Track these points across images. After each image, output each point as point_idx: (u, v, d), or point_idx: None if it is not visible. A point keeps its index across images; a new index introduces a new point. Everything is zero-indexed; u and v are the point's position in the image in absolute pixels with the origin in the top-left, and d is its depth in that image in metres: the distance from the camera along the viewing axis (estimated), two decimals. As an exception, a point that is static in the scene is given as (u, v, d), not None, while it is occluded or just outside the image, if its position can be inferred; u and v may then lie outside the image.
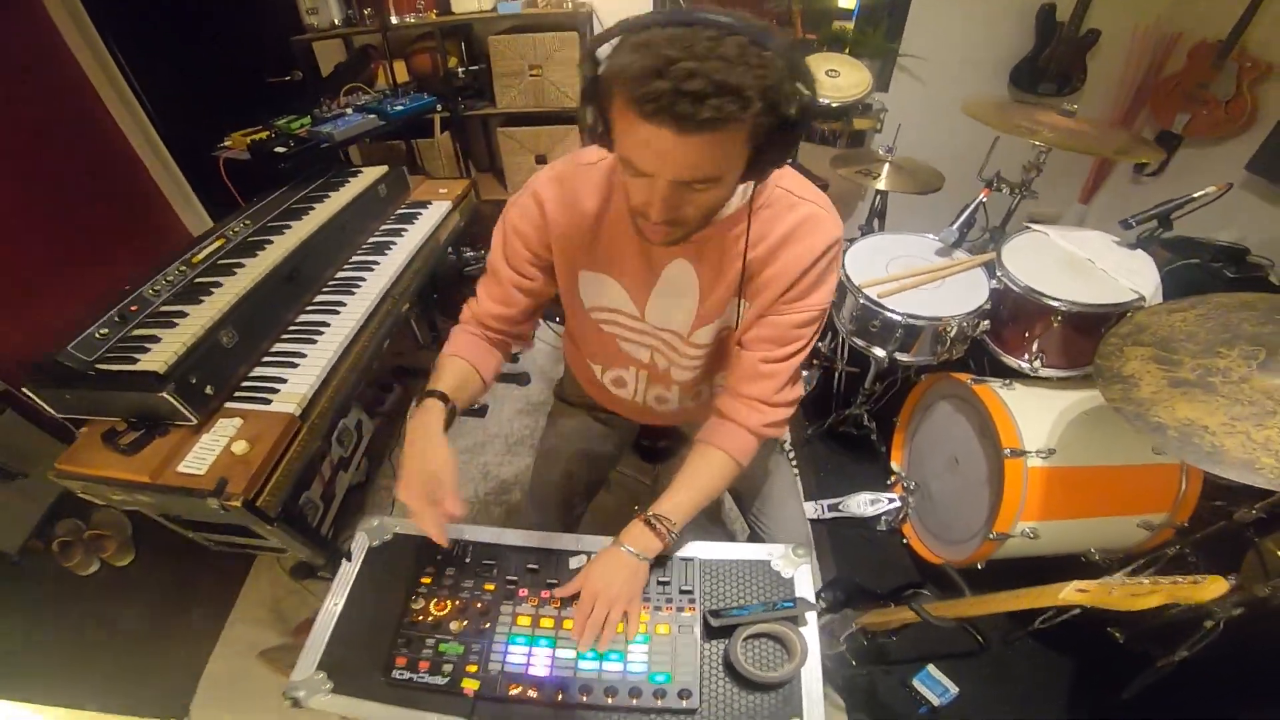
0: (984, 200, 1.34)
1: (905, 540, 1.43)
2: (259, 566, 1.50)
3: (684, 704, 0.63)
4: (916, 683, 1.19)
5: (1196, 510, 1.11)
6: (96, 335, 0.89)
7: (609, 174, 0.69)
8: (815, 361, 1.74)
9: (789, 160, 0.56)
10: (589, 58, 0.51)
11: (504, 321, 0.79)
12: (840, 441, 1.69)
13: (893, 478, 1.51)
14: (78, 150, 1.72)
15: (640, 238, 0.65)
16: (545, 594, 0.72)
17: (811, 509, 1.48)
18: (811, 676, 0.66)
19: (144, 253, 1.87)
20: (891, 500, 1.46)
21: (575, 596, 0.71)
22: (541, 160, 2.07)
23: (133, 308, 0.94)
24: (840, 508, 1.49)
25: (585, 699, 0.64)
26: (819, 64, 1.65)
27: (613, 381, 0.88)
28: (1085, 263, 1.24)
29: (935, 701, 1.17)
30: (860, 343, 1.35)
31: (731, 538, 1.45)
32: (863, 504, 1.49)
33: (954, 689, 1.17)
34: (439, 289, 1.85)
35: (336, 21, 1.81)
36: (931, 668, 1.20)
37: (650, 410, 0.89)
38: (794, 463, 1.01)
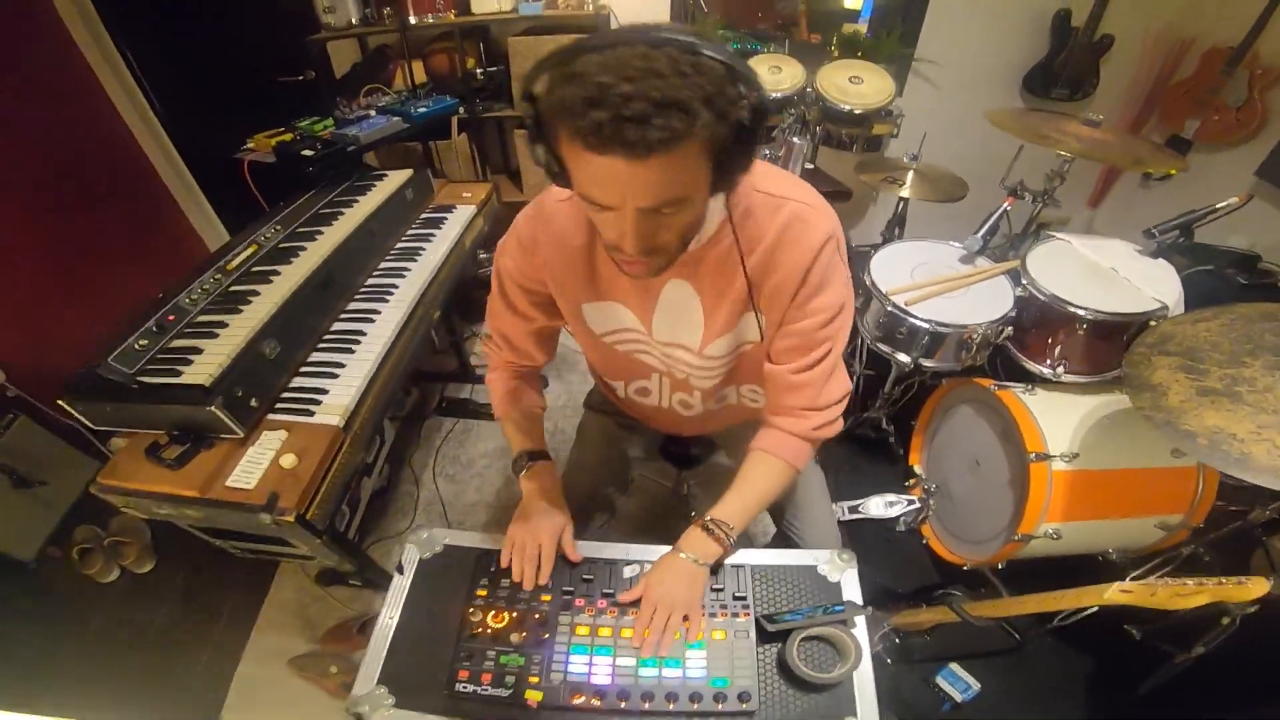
0: (1008, 209, 1.36)
1: (925, 541, 1.46)
2: (283, 572, 1.50)
3: (743, 706, 0.65)
4: (940, 680, 1.23)
5: (1211, 511, 1.15)
6: (136, 346, 0.88)
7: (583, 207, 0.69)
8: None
9: (750, 165, 0.53)
10: (524, 97, 0.49)
11: (525, 357, 0.85)
12: (859, 444, 1.71)
13: (911, 480, 1.54)
14: (88, 154, 1.70)
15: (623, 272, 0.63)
16: (602, 603, 0.74)
17: (833, 510, 1.51)
18: (864, 677, 0.68)
19: (157, 261, 1.85)
20: (911, 502, 1.49)
21: (635, 603, 0.72)
22: (557, 162, 2.05)
23: (170, 318, 0.93)
24: (860, 509, 1.51)
25: (648, 706, 0.66)
26: (843, 71, 1.66)
27: (637, 391, 0.88)
28: (1108, 271, 1.26)
29: (958, 698, 1.20)
30: (885, 348, 1.36)
31: (750, 540, 1.47)
32: (882, 506, 1.51)
33: (976, 685, 1.21)
34: (455, 293, 1.84)
35: (354, 20, 1.78)
36: (954, 665, 1.23)
37: (676, 414, 0.90)
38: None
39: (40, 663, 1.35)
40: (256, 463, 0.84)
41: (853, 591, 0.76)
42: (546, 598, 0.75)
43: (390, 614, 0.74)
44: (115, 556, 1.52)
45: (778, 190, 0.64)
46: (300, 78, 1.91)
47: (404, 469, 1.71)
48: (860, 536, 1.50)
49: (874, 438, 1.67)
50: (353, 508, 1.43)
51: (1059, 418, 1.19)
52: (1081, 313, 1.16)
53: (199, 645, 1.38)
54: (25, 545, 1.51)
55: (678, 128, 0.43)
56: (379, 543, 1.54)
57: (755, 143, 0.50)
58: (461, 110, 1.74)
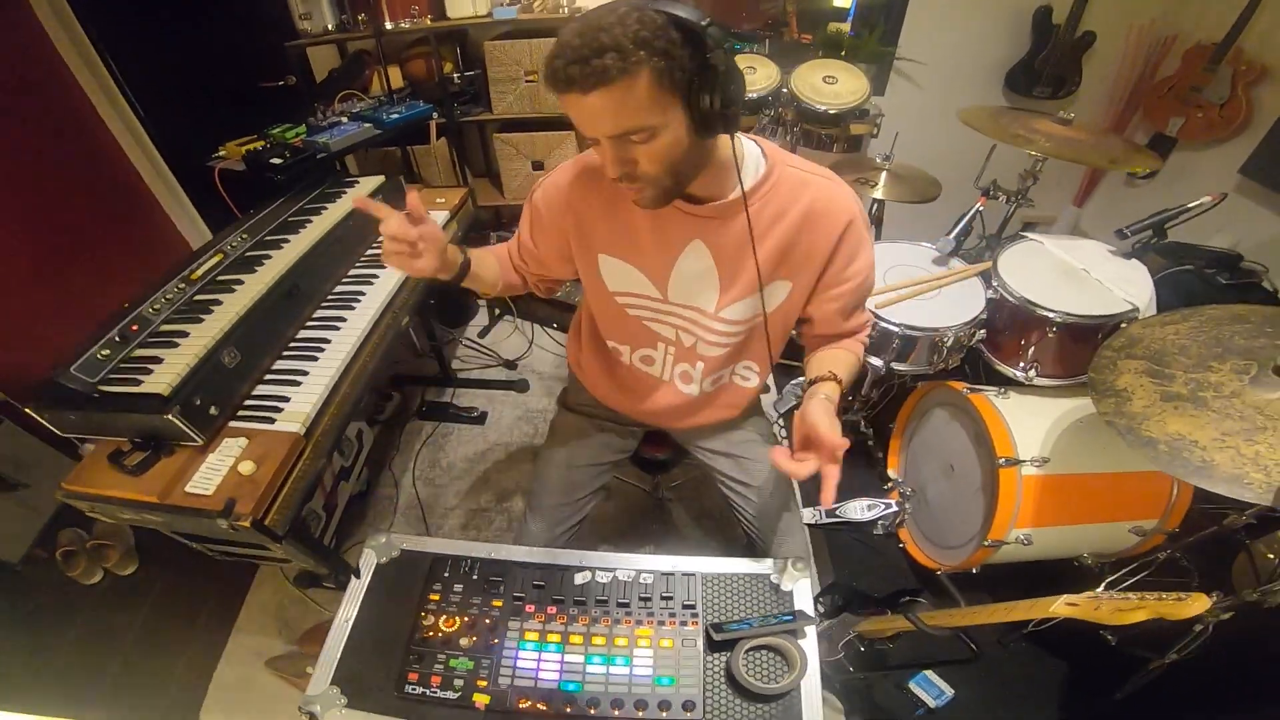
0: (981, 209, 1.35)
1: (902, 545, 1.45)
2: (262, 575, 1.51)
3: (688, 715, 0.66)
4: (913, 685, 1.22)
5: (1188, 515, 1.13)
6: (98, 356, 0.89)
7: None
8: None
9: (733, 104, 0.59)
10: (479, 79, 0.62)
11: (526, 272, 0.90)
12: (838, 446, 1.70)
13: (889, 484, 1.53)
14: (71, 158, 1.70)
15: (660, 223, 0.72)
16: (552, 609, 0.74)
17: (809, 514, 1.49)
18: (811, 687, 0.68)
19: (140, 263, 1.86)
20: (888, 506, 1.47)
21: (629, 603, 0.74)
22: (538, 166, 2.06)
23: (133, 327, 0.94)
24: (838, 513, 1.50)
25: (593, 712, 0.66)
26: (817, 71, 1.65)
27: (641, 360, 0.90)
28: (1080, 272, 1.25)
29: (931, 704, 1.19)
30: (858, 351, 1.36)
31: (728, 544, 1.47)
32: (859, 509, 1.50)
33: (950, 691, 1.20)
34: (436, 297, 1.85)
35: (330, 27, 1.79)
36: (929, 671, 1.23)
37: (672, 392, 0.91)
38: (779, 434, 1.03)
39: (23, 663, 1.37)
40: (215, 469, 0.85)
41: (804, 601, 0.76)
42: (497, 603, 0.75)
43: (346, 616, 0.76)
44: (99, 559, 1.54)
45: (805, 167, 0.74)
46: (281, 83, 1.92)
47: (384, 473, 1.72)
48: (839, 540, 1.49)
49: (852, 441, 1.66)
50: (330, 512, 1.44)
51: (1031, 422, 1.18)
52: (1051, 315, 1.15)
53: (179, 646, 1.39)
54: (10, 547, 1.53)
55: (608, 64, 0.53)
56: (357, 546, 1.55)
57: (718, 77, 0.57)
58: (439, 115, 1.75)
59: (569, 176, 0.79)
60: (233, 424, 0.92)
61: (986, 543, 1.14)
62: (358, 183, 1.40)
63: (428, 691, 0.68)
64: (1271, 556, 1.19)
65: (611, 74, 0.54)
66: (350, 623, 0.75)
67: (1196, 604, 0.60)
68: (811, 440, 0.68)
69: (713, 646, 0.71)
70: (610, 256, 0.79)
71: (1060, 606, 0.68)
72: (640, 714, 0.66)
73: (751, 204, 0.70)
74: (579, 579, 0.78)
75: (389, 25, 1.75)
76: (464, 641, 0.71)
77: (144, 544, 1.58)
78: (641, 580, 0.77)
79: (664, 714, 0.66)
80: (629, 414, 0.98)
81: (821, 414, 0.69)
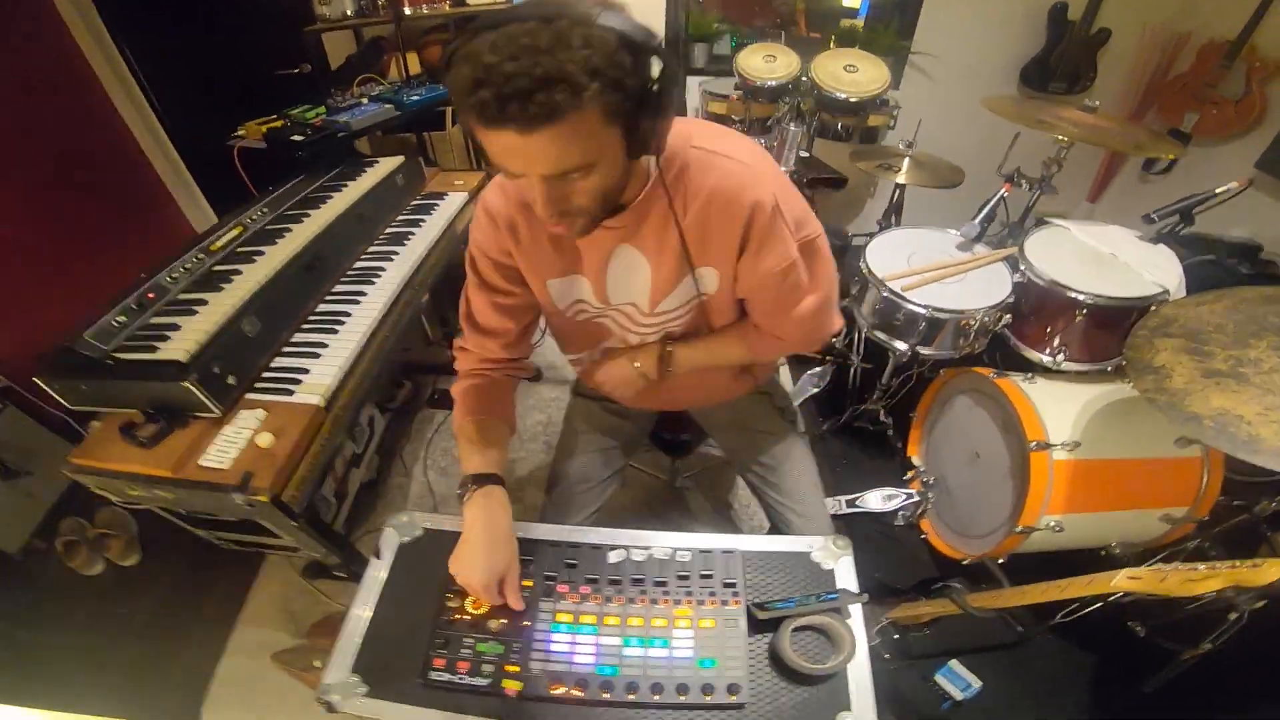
0: (1005, 195, 1.34)
1: (923, 535, 1.43)
2: (269, 566, 1.47)
3: (732, 698, 0.63)
4: (939, 677, 1.19)
5: (1215, 506, 1.12)
6: (113, 323, 0.86)
7: None
8: (829, 358, 1.73)
9: (664, 128, 0.54)
10: (443, 73, 0.52)
11: (503, 348, 0.79)
12: (856, 437, 1.68)
13: (910, 473, 1.51)
14: (81, 143, 1.68)
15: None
16: (586, 589, 0.71)
17: (830, 504, 1.48)
18: (860, 669, 0.65)
19: (147, 248, 1.84)
20: (909, 495, 1.46)
21: (619, 585, 0.71)
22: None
23: (150, 295, 0.92)
24: (858, 503, 1.48)
25: (632, 697, 0.63)
26: (838, 59, 1.65)
27: (603, 354, 0.87)
28: (1108, 256, 1.24)
29: (958, 696, 1.17)
30: (882, 336, 1.34)
31: (749, 532, 1.44)
32: (880, 499, 1.48)
33: (977, 683, 1.17)
34: (450, 283, 1.82)
35: (349, 12, 1.78)
36: (954, 662, 1.20)
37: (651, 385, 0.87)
38: (795, 422, 1.01)
39: (24, 655, 1.32)
40: (232, 441, 0.82)
41: (847, 579, 0.74)
42: (528, 583, 0.72)
43: (365, 600, 0.72)
44: (100, 549, 1.49)
45: (712, 146, 0.64)
46: (296, 70, 1.91)
47: (395, 461, 1.68)
48: (858, 531, 1.47)
49: (872, 430, 1.64)
50: (340, 499, 1.41)
51: (1060, 406, 1.16)
52: (1081, 298, 1.14)
53: (183, 638, 1.35)
54: (10, 537, 1.48)
55: (559, 101, 0.44)
56: (368, 535, 1.51)
57: (664, 105, 0.51)
58: (455, 100, 1.73)
59: (498, 206, 0.70)
60: (250, 395, 0.89)
61: (1018, 529, 1.11)
62: (377, 162, 1.38)
63: (454, 678, 0.64)
64: (1295, 548, 1.18)
65: (561, 111, 0.45)
66: (370, 607, 0.71)
67: (1274, 569, 0.57)
68: None
69: (755, 626, 0.68)
70: (557, 279, 0.74)
71: (1122, 580, 0.66)
72: (682, 698, 0.63)
73: (659, 195, 0.63)
74: (613, 557, 0.75)
75: (408, 11, 1.75)
76: (492, 625, 0.68)
77: (147, 534, 1.54)
78: (678, 558, 0.74)
79: (707, 698, 0.63)
80: (626, 401, 0.96)
81: (610, 369, 0.77)
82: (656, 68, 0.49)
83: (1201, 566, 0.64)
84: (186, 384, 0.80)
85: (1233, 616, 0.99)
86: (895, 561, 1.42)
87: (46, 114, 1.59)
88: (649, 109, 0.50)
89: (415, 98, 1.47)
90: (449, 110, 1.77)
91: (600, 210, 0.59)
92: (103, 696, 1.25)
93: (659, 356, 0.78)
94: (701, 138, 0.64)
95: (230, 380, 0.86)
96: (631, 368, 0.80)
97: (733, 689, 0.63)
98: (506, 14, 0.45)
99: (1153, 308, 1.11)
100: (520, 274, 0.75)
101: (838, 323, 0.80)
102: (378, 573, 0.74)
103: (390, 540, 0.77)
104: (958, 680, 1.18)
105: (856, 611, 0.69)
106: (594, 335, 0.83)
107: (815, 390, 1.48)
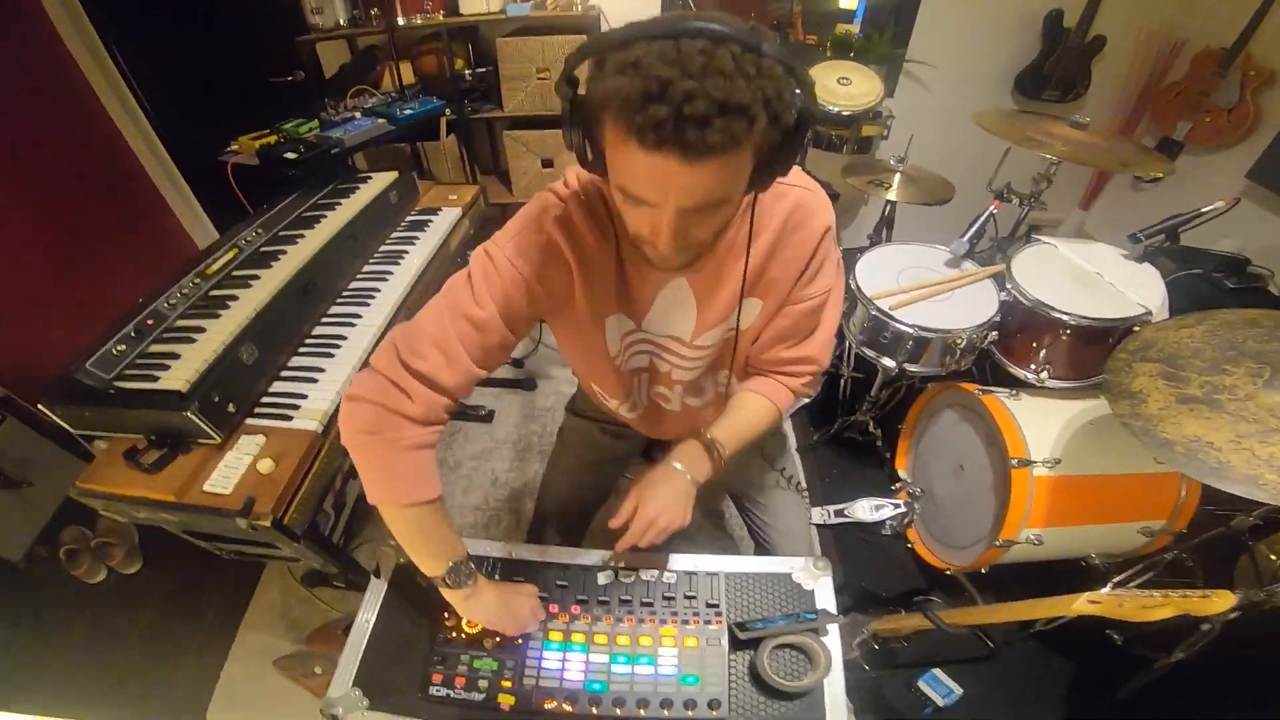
0: (994, 212, 1.35)
1: (910, 545, 1.46)
2: (269, 574, 1.50)
3: (713, 714, 0.66)
4: (922, 684, 1.23)
5: (1194, 516, 1.15)
6: (114, 351, 0.88)
7: (596, 200, 0.62)
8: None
9: (790, 167, 0.51)
10: (567, 80, 0.46)
11: (460, 398, 0.64)
12: (845, 447, 1.71)
13: (897, 484, 1.53)
14: (77, 153, 1.68)
15: (646, 264, 0.60)
16: (576, 609, 0.74)
17: (818, 514, 1.50)
18: (835, 685, 0.68)
19: (147, 260, 1.85)
20: (896, 506, 1.48)
21: (614, 600, 0.73)
22: (548, 164, 2.05)
23: (149, 322, 0.93)
24: (846, 513, 1.51)
25: (619, 711, 0.66)
26: (831, 72, 1.65)
27: (629, 408, 0.87)
28: (1093, 276, 1.26)
29: (940, 702, 1.20)
30: (870, 353, 1.36)
31: (735, 546, 1.47)
32: (867, 509, 1.51)
33: (958, 690, 1.21)
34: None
35: (342, 21, 1.78)
36: (937, 669, 1.23)
37: (656, 410, 0.88)
38: (791, 479, 1.02)
39: (26, 662, 1.35)
40: (234, 467, 0.84)
41: (826, 599, 0.77)
42: (521, 604, 0.75)
43: (366, 616, 0.75)
44: (102, 557, 1.52)
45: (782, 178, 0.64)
46: (290, 78, 1.91)
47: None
48: (846, 541, 1.50)
49: (860, 441, 1.67)
50: (338, 510, 1.44)
51: (1042, 423, 1.19)
52: (1065, 318, 1.16)
53: (184, 646, 1.38)
54: (12, 546, 1.51)
55: (737, 131, 0.41)
56: (365, 545, 1.54)
57: (799, 147, 0.49)
58: (449, 112, 1.74)
59: (556, 241, 0.61)
60: (250, 421, 0.91)
61: (998, 543, 1.15)
62: (371, 178, 1.39)
63: (452, 693, 0.67)
64: (1274, 558, 1.21)
65: (737, 143, 0.42)
66: (371, 623, 0.74)
67: (1222, 601, 0.60)
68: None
69: (736, 645, 0.71)
70: (612, 315, 0.69)
71: (1082, 604, 0.69)
72: (666, 713, 0.66)
73: (731, 225, 0.60)
74: (602, 578, 0.78)
75: (402, 20, 1.74)
76: (488, 642, 0.71)
77: (148, 543, 1.56)
78: (664, 580, 0.77)
79: (690, 713, 0.66)
80: (634, 428, 0.96)
81: (653, 496, 0.68)
82: (803, 106, 0.46)
83: (1157, 594, 0.67)
84: (187, 413, 0.82)
85: (1205, 628, 1.02)
86: (882, 571, 1.45)
87: (39, 125, 1.58)
88: (788, 149, 0.48)
89: (409, 112, 1.48)
90: (443, 120, 1.77)
91: (712, 244, 0.58)
92: (106, 703, 1.28)
93: (704, 448, 0.72)
94: None
95: (230, 408, 0.88)
96: (682, 474, 0.71)
97: (714, 704, 0.66)
98: (669, 26, 0.41)
99: (1135, 328, 1.13)
100: (542, 316, 0.68)
101: (830, 354, 0.80)
102: (377, 591, 0.77)
103: (388, 559, 0.80)
104: (940, 687, 1.22)
105: (833, 630, 0.72)
106: (633, 374, 0.80)
107: (805, 400, 1.50)
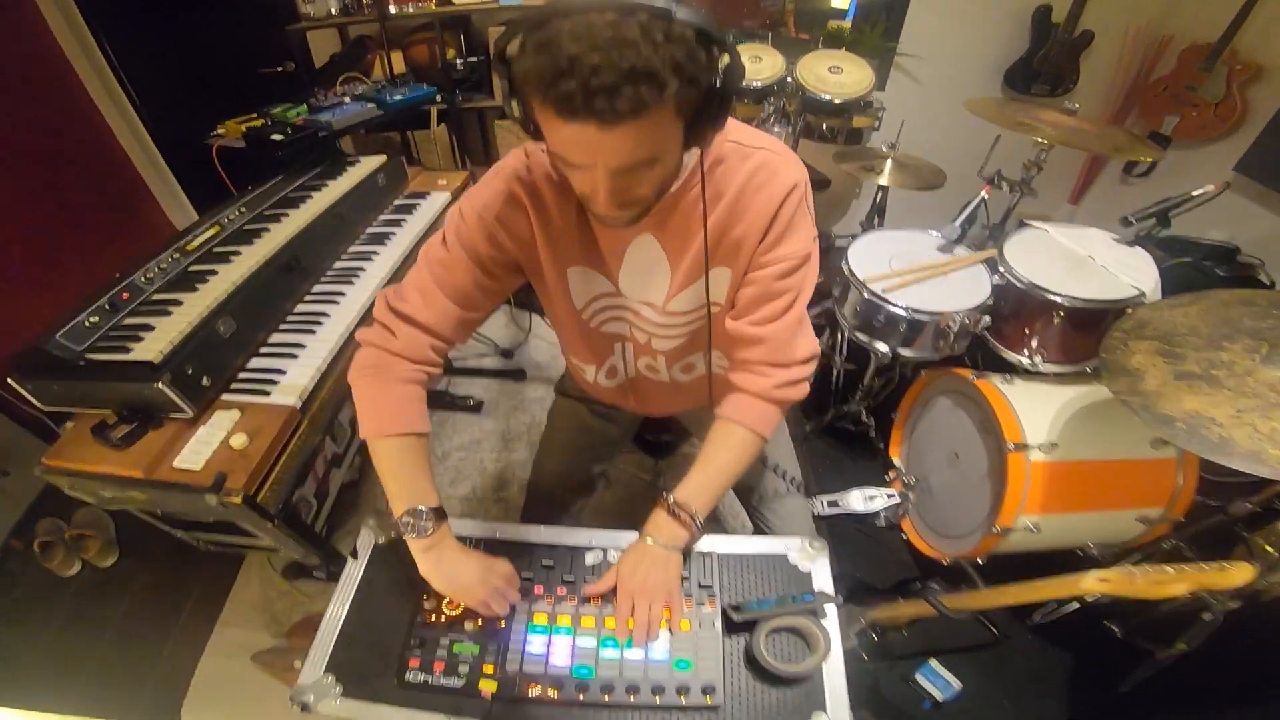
0: (985, 197, 1.35)
1: (904, 536, 1.44)
2: (249, 566, 1.46)
3: (707, 700, 0.63)
4: (919, 677, 1.20)
5: (1191, 506, 1.13)
6: (86, 323, 0.85)
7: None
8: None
9: (724, 122, 0.54)
10: (499, 60, 0.49)
11: (447, 339, 0.69)
12: (838, 437, 1.69)
13: (891, 473, 1.52)
14: (58, 139, 1.66)
15: (598, 222, 0.64)
16: (562, 590, 0.71)
17: (812, 505, 1.49)
18: (834, 669, 0.65)
19: (126, 247, 1.82)
20: (890, 496, 1.46)
21: (608, 594, 0.69)
22: (541, 154, 2.04)
23: (124, 295, 0.91)
24: (839, 504, 1.49)
25: (607, 698, 0.63)
26: (822, 60, 1.66)
27: (606, 374, 0.86)
28: (1085, 259, 1.25)
29: (938, 696, 1.18)
30: (863, 337, 1.35)
31: (724, 529, 1.45)
32: (861, 500, 1.48)
33: (956, 683, 1.18)
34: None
35: (333, 10, 1.77)
36: (934, 662, 1.21)
37: (645, 382, 0.86)
38: (788, 477, 0.99)
39: (1, 656, 1.31)
40: (206, 443, 0.81)
41: (824, 581, 0.74)
42: (504, 584, 0.72)
43: (341, 599, 0.72)
44: (77, 550, 1.48)
45: (747, 140, 0.64)
46: (280, 69, 1.89)
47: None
48: (840, 531, 1.47)
49: (854, 431, 1.65)
50: (321, 499, 1.40)
51: (1038, 408, 1.17)
52: (1059, 300, 1.15)
53: (160, 640, 1.34)
54: (-16, 539, 1.47)
55: (646, 97, 0.44)
56: (349, 535, 1.50)
57: (729, 103, 0.51)
58: (440, 100, 1.73)
59: (523, 194, 0.65)
60: (225, 396, 0.88)
61: (995, 530, 1.12)
62: (359, 161, 1.37)
63: (430, 679, 0.64)
64: (1270, 549, 1.20)
65: (646, 107, 0.44)
66: (346, 606, 0.71)
67: (1240, 573, 0.58)
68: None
69: (731, 628, 0.68)
70: (579, 267, 0.71)
71: (1091, 582, 0.67)
72: (657, 700, 0.63)
73: (693, 186, 0.62)
74: (590, 559, 0.75)
75: (393, 9, 1.73)
76: (469, 626, 0.68)
77: (125, 535, 1.52)
78: (655, 559, 0.74)
79: (682, 699, 0.63)
80: (623, 405, 0.95)
81: (631, 574, 0.67)
82: (725, 63, 0.48)
83: (1170, 569, 0.65)
84: (158, 384, 0.79)
85: (1206, 617, 1.00)
86: (877, 562, 1.42)
87: (23, 110, 1.56)
88: (715, 104, 0.50)
89: (399, 97, 1.46)
90: (433, 110, 1.76)
91: (655, 200, 0.60)
92: (81, 697, 1.24)
93: (675, 516, 0.70)
94: (736, 133, 0.64)
95: (204, 381, 0.85)
96: (659, 548, 0.69)
97: (708, 690, 0.63)
98: (582, 2, 0.44)
99: (1128, 310, 1.12)
100: (516, 263, 0.70)
101: (813, 344, 0.72)
102: (354, 572, 0.74)
103: (366, 540, 0.77)
104: (938, 680, 1.19)
105: (832, 612, 0.70)
106: (609, 339, 0.80)
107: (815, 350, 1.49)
